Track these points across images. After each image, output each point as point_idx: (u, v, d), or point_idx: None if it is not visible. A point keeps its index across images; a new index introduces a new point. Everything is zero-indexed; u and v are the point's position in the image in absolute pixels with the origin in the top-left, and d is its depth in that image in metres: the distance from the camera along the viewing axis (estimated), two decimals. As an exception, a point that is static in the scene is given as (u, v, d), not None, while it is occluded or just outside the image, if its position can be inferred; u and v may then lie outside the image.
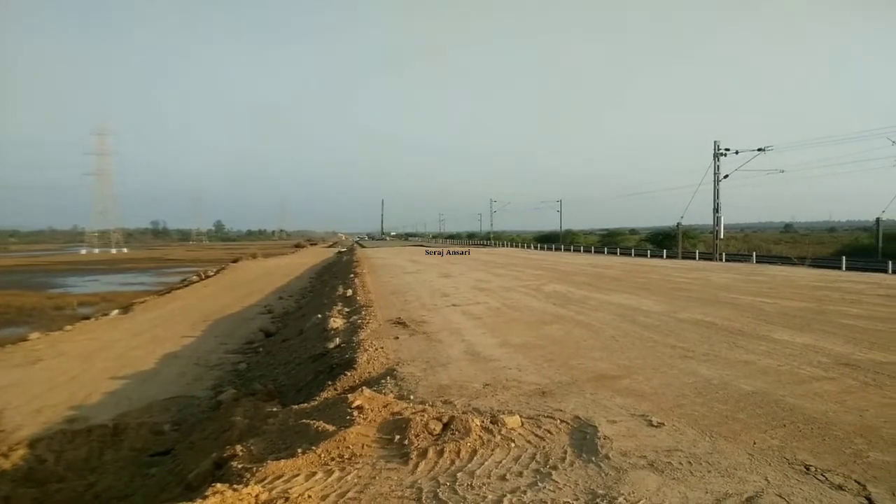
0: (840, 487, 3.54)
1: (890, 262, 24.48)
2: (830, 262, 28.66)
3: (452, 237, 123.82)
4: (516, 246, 69.34)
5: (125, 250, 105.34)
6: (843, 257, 27.66)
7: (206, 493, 3.49)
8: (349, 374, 6.84)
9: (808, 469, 3.79)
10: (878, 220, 34.21)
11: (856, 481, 3.61)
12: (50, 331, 16.67)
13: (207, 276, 36.91)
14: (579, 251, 50.53)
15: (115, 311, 20.86)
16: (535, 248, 61.68)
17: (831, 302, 12.20)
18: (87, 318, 20.16)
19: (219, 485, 3.61)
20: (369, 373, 6.87)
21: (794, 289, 15.09)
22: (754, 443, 4.27)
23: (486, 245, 76.82)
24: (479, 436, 4.39)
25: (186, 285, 32.26)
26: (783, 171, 36.70)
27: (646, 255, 40.48)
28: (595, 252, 48.22)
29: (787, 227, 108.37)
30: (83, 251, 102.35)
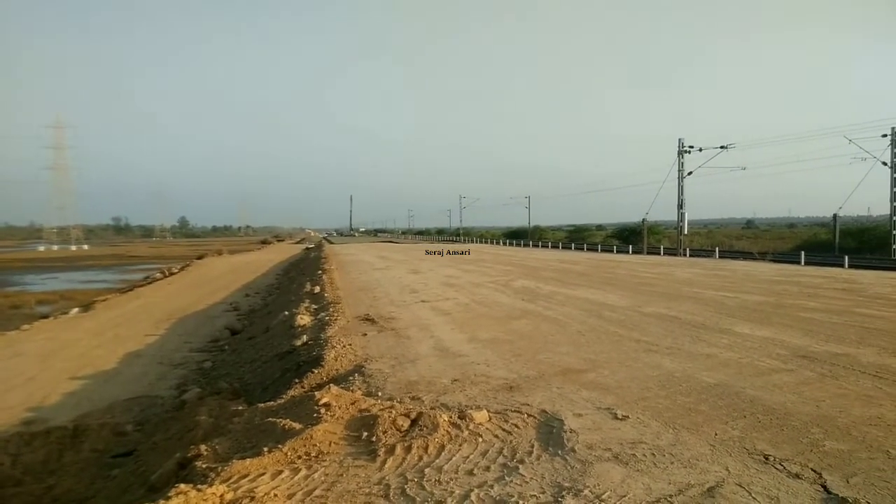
0: (797, 476, 3.64)
1: (846, 257, 25.30)
2: (790, 257, 29.49)
3: (422, 233, 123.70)
4: (486, 242, 69.61)
5: (85, 247, 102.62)
6: (802, 252, 28.46)
7: (170, 494, 3.42)
8: (316, 371, 6.78)
9: (766, 459, 3.90)
10: (835, 216, 35.32)
11: (812, 469, 3.72)
12: (6, 330, 16.15)
13: (171, 274, 36.19)
14: (547, 247, 50.96)
15: (75, 310, 20.32)
16: (505, 244, 62.02)
17: (790, 296, 12.54)
18: (45, 317, 19.62)
19: (183, 485, 3.55)
20: (337, 370, 6.82)
21: (755, 283, 15.47)
22: (715, 434, 4.36)
23: (456, 241, 76.95)
24: (447, 431, 4.40)
25: (150, 283, 31.59)
26: (745, 168, 37.85)
27: (612, 251, 41.05)
28: (563, 248, 48.74)
29: (749, 223, 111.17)
30: (41, 248, 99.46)
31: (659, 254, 36.06)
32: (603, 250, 42.58)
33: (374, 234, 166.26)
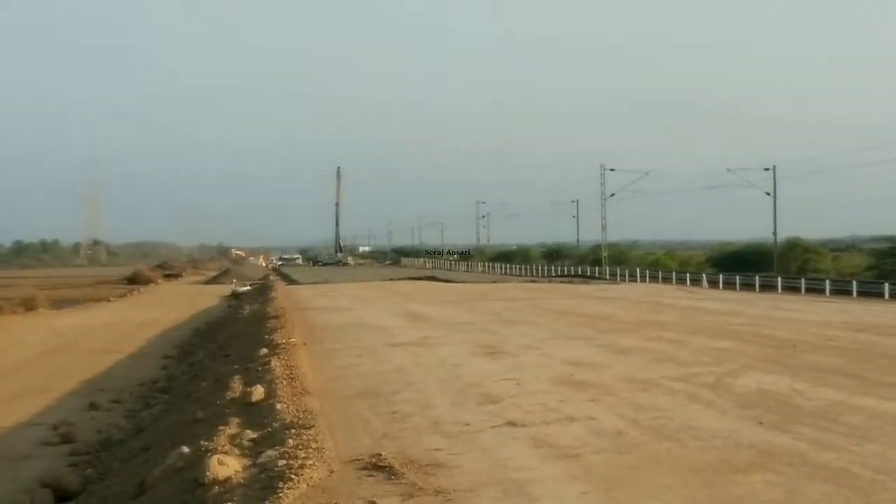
0: None
1: None
2: None
3: (507, 257, 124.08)
4: (664, 279, 68.93)
5: None
6: None
7: None
8: None
9: None
10: None
11: None
12: None
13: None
14: (820, 290, 50.00)
15: None
16: (710, 284, 61.25)
17: None
18: None
19: None
20: None
21: None
22: None
23: (596, 277, 76.87)
24: None
25: None
26: None
27: None
28: (860, 294, 47.70)
29: None
30: None
31: None
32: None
33: (394, 260, 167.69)
